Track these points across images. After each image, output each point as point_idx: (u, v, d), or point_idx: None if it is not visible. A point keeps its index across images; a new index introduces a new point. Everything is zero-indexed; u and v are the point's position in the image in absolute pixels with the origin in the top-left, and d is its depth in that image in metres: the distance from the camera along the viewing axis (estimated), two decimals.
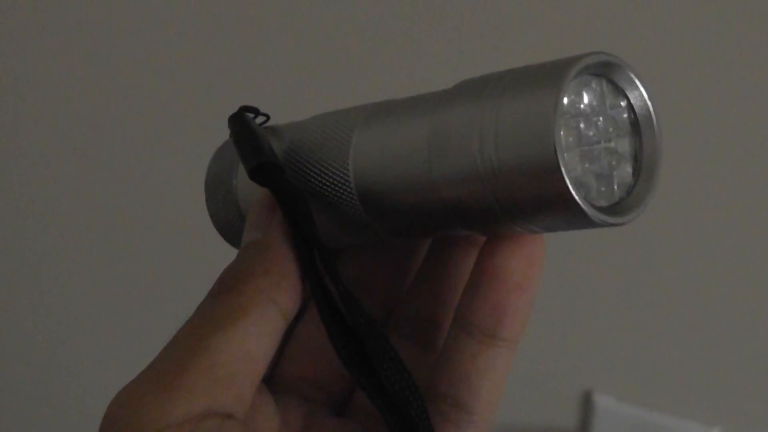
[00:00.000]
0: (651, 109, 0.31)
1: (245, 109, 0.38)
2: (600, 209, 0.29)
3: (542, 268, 0.32)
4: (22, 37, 0.87)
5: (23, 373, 1.00)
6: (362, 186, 0.33)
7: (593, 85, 0.31)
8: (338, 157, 0.34)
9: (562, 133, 0.29)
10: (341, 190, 0.34)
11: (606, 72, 0.31)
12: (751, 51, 0.71)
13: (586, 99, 0.30)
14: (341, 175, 0.34)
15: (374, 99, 0.36)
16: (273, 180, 0.35)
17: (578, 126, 0.30)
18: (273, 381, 0.38)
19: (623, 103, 0.31)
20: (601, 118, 0.31)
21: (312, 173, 0.35)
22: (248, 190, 0.39)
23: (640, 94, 0.31)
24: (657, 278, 0.80)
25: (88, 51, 0.86)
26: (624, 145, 0.31)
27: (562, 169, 0.27)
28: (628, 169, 0.31)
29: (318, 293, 0.32)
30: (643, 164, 0.31)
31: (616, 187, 0.31)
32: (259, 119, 0.39)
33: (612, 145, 0.31)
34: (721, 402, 0.83)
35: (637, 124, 0.31)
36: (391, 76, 0.78)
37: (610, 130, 0.31)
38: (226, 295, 0.31)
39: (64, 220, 0.93)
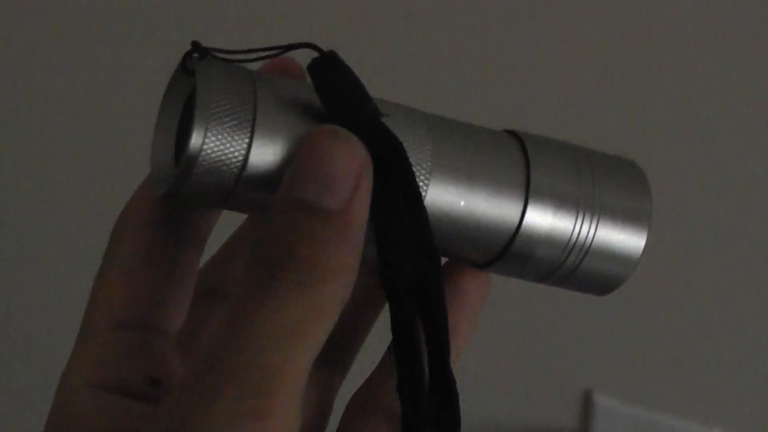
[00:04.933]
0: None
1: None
2: None
3: (483, 303, 0.32)
4: (21, 35, 0.87)
5: (24, 374, 1.00)
6: None
7: None
8: None
9: None
10: None
11: None
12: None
13: None
14: None
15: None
16: (387, 142, 0.28)
17: None
18: None
19: None
20: None
21: None
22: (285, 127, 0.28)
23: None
24: (657, 279, 0.80)
25: (87, 52, 0.86)
26: None
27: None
28: None
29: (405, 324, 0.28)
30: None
31: None
32: None
33: None
34: (721, 402, 0.83)
35: None
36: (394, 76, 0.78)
37: None
38: (300, 288, 0.25)
39: (64, 221, 0.93)
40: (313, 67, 0.28)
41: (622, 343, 0.84)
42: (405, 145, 0.28)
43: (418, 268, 0.28)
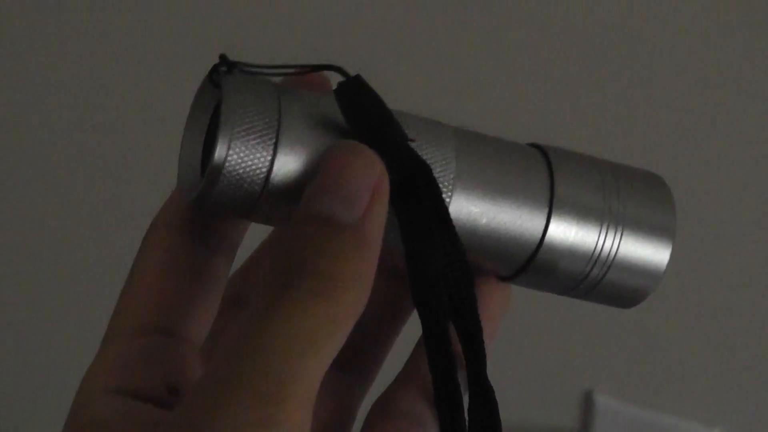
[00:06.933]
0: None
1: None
2: None
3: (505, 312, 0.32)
4: (22, 34, 0.87)
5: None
6: None
7: None
8: None
9: None
10: None
11: None
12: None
13: None
14: None
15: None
16: (415, 165, 0.28)
17: None
18: None
19: None
20: None
21: None
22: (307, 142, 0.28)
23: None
24: None
25: (87, 50, 0.85)
26: None
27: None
28: None
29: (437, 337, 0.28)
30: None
31: None
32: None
33: None
34: (721, 402, 0.83)
35: None
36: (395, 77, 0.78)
37: None
38: (314, 298, 0.26)
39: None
40: (339, 91, 0.28)
41: (622, 343, 0.84)
42: (431, 164, 0.28)
43: (451, 284, 0.28)
